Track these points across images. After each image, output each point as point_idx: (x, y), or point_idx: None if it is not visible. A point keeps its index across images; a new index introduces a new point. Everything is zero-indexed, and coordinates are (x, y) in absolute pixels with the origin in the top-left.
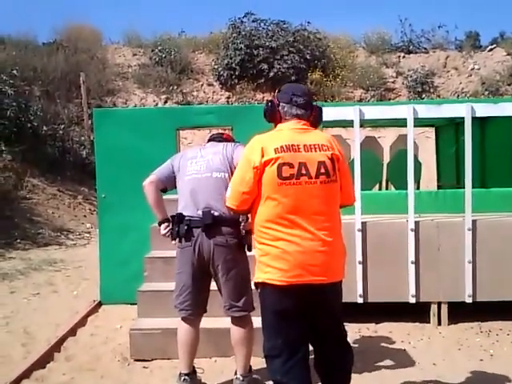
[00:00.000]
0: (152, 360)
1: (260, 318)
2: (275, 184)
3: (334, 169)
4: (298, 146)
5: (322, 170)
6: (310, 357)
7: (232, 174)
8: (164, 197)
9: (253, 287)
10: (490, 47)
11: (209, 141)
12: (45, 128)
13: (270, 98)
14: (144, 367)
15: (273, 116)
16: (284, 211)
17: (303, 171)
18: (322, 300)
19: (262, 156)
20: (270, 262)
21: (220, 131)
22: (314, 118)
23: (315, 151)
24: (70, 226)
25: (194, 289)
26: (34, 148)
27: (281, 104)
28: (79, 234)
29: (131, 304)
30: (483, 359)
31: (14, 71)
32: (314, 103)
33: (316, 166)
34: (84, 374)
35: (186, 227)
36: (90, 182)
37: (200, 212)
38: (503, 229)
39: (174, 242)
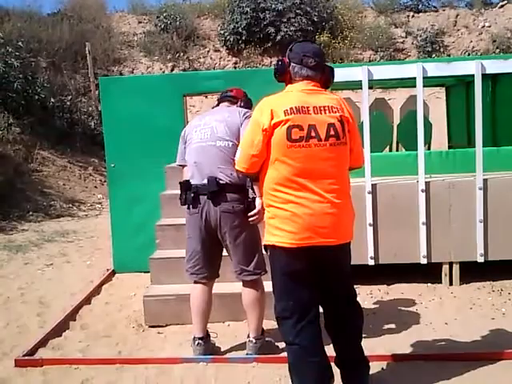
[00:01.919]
0: (166, 326)
1: (271, 282)
2: (284, 146)
3: (343, 131)
4: (307, 107)
5: (332, 133)
6: (321, 318)
7: (239, 143)
8: (174, 164)
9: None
10: (500, 4)
11: (218, 101)
12: (52, 100)
13: (280, 58)
14: (158, 333)
15: (283, 76)
16: (293, 174)
17: (313, 133)
18: (331, 261)
19: (272, 118)
20: (280, 224)
21: (229, 88)
22: (325, 79)
23: (325, 113)
24: (82, 198)
25: (203, 254)
26: (43, 120)
27: (291, 64)
28: (91, 205)
29: (144, 272)
30: (495, 318)
31: (20, 43)
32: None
33: (326, 128)
34: (100, 341)
35: (192, 194)
36: (99, 153)
37: (205, 180)
38: None
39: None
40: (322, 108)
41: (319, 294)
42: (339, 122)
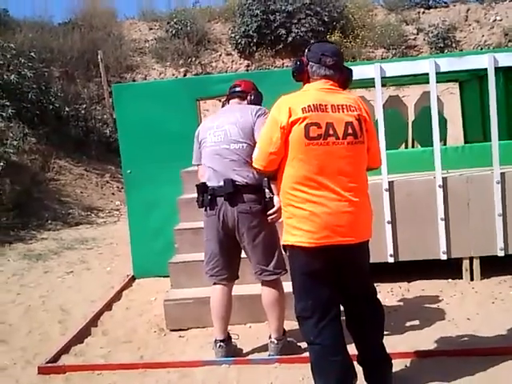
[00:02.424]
0: (187, 329)
1: (291, 283)
2: (302, 144)
3: (361, 130)
4: (325, 106)
5: (350, 131)
6: (342, 318)
7: (253, 143)
8: (189, 168)
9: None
10: None
11: (228, 98)
12: (67, 109)
13: (297, 58)
14: (180, 336)
15: (301, 75)
16: (311, 172)
17: (331, 131)
18: (350, 260)
19: (290, 116)
20: (298, 224)
21: (237, 82)
22: (343, 80)
23: (343, 112)
24: (99, 205)
25: (221, 256)
26: (58, 129)
27: (309, 63)
28: (109, 212)
29: (164, 276)
30: None
31: (32, 53)
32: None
33: (343, 126)
34: (121, 346)
35: (209, 197)
36: (115, 160)
37: (222, 182)
38: None
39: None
40: (340, 106)
41: (339, 292)
42: (357, 121)
